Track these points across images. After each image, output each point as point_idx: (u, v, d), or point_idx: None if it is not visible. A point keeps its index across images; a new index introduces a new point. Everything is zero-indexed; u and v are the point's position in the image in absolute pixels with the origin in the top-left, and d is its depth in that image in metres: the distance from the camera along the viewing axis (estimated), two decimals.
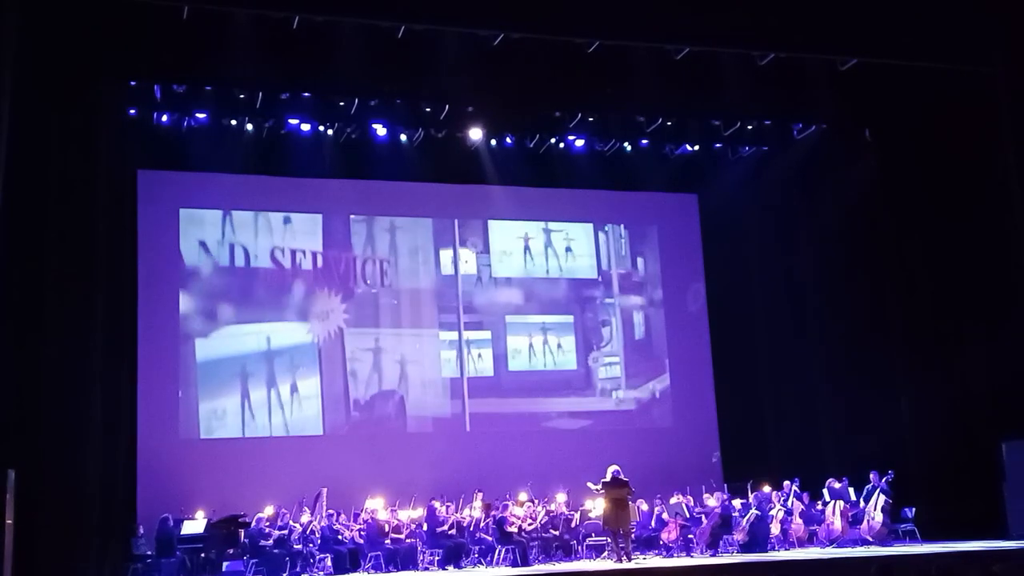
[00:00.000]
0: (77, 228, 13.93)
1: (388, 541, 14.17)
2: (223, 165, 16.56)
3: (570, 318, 18.71)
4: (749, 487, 15.85)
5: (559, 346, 18.55)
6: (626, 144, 17.94)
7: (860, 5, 14.84)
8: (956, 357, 16.32)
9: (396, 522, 14.43)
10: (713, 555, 14.46)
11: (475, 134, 17.11)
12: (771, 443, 18.52)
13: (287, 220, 17.36)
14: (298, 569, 13.86)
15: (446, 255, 18.14)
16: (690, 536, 14.88)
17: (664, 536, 15.01)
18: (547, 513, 14.94)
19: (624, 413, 18.48)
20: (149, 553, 14.14)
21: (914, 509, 15.37)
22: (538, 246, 18.69)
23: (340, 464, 16.30)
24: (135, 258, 16.05)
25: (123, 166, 15.55)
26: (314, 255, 17.44)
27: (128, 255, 15.81)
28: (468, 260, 18.26)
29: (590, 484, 14.14)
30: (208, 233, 16.94)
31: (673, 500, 15.45)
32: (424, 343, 17.81)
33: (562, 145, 17.80)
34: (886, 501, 15.05)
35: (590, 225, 19.02)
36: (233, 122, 16.20)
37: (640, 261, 19.20)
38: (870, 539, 14.94)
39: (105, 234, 14.50)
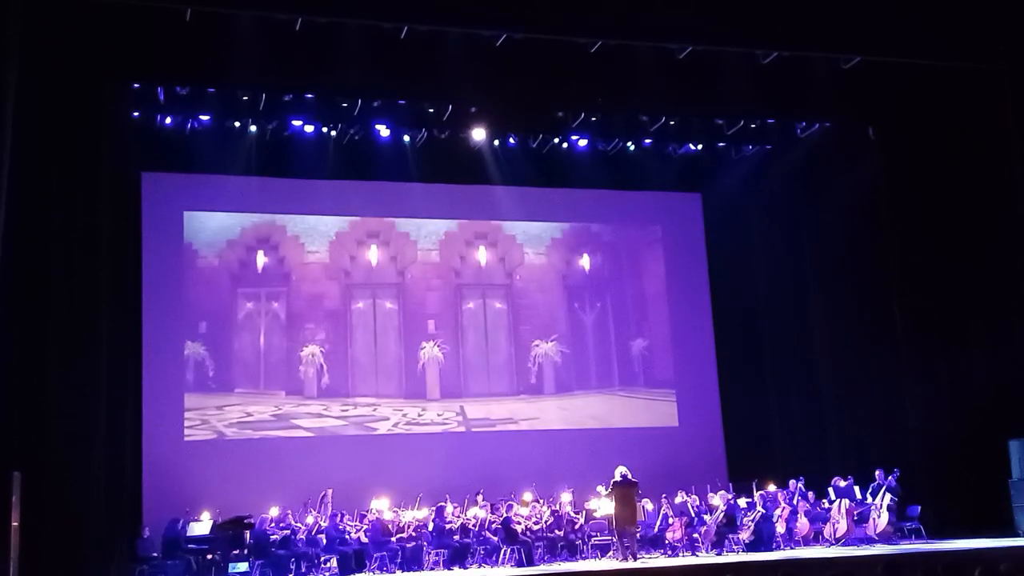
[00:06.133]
0: (81, 230, 13.97)
1: (395, 540, 14.18)
2: (227, 167, 16.55)
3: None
4: (754, 486, 15.83)
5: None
6: (629, 143, 17.88)
7: (863, 3, 14.81)
8: (962, 355, 16.29)
9: (401, 522, 14.43)
10: (718, 554, 14.45)
11: (478, 134, 17.10)
12: (776, 442, 18.50)
13: (291, 221, 17.37)
14: (303, 570, 13.87)
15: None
16: (695, 535, 14.88)
17: (669, 535, 14.99)
18: (552, 513, 14.95)
19: (628, 412, 18.45)
20: (155, 555, 14.18)
21: (920, 507, 15.35)
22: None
23: (345, 465, 16.31)
24: (139, 260, 16.07)
25: (127, 168, 15.58)
26: (317, 255, 17.44)
27: (132, 257, 15.84)
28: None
29: (600, 488, 14.12)
30: (212, 235, 16.95)
31: (678, 499, 15.43)
32: (434, 342, 17.85)
33: (565, 145, 17.75)
34: (892, 499, 15.03)
35: (594, 225, 19.03)
36: (236, 124, 16.21)
37: (644, 260, 19.17)
38: (876, 537, 14.93)
39: (109, 236, 14.55)
